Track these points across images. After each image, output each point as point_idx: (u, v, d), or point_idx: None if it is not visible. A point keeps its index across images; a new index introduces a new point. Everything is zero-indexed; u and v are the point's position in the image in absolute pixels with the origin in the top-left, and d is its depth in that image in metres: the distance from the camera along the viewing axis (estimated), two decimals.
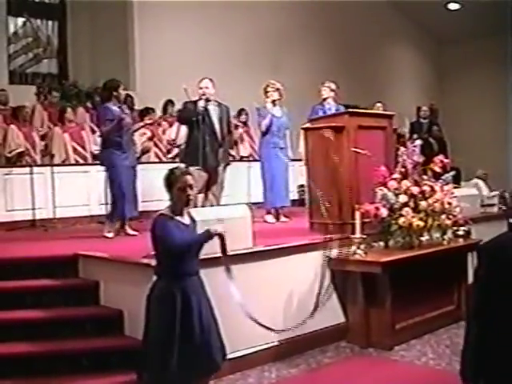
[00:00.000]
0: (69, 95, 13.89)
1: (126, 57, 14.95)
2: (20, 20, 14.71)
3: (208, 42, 15.28)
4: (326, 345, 7.23)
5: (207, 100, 8.93)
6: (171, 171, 5.15)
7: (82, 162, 11.56)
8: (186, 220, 5.13)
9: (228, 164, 9.37)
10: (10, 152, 11.16)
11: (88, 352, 6.19)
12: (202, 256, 5.26)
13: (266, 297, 6.75)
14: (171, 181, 5.07)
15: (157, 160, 12.20)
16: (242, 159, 13.15)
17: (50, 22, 15.18)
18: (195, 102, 8.97)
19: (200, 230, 5.26)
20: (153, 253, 5.42)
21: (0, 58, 13.57)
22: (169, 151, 12.45)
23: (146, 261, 6.14)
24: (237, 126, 13.42)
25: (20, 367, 6.02)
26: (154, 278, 5.20)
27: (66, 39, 15.28)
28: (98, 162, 9.53)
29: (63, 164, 11.42)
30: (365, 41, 18.81)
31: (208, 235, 5.09)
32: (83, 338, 6.33)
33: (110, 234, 8.77)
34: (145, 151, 11.64)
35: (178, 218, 5.06)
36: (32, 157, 11.23)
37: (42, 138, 11.75)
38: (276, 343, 6.86)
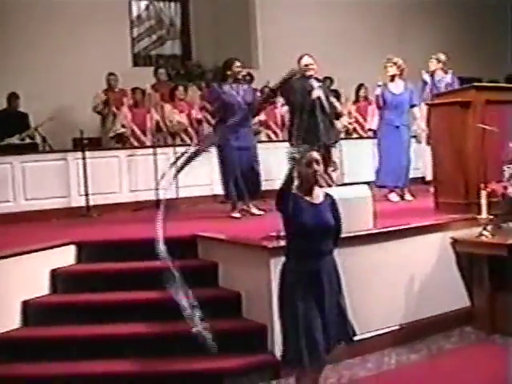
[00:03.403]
0: (193, 75, 14.03)
1: (248, 35, 14.96)
2: (143, 3, 15.00)
3: (330, 17, 15.05)
4: (450, 330, 6.96)
5: (309, 77, 8.71)
6: (296, 149, 5.00)
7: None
8: (316, 199, 4.91)
9: (337, 141, 9.14)
10: (113, 131, 11.43)
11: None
12: None
13: (387, 279, 6.59)
14: (297, 158, 4.87)
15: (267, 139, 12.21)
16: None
17: (172, 4, 15.37)
18: (303, 79, 8.77)
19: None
20: (272, 234, 5.33)
21: (124, 41, 13.81)
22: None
23: (263, 243, 6.09)
24: (357, 101, 13.22)
25: (138, 347, 6.12)
26: (273, 260, 5.09)
27: (189, 20, 15.43)
28: None
29: (186, 144, 11.53)
30: (488, 8, 17.95)
31: None
32: (201, 319, 6.31)
33: (237, 214, 8.76)
34: (255, 134, 11.54)
35: (307, 198, 4.87)
36: (139, 139, 11.46)
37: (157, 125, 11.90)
38: (397, 327, 6.69)
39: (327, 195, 5.00)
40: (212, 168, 10.58)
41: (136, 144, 11.40)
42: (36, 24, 12.43)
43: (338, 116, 9.65)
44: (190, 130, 11.99)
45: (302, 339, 4.75)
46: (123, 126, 11.43)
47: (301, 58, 8.85)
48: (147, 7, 15.00)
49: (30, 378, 6.00)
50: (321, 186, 5.00)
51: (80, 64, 12.37)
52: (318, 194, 4.95)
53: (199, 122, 12.03)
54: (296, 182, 4.90)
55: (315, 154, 4.91)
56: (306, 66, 8.75)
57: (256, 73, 13.23)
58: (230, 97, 8.68)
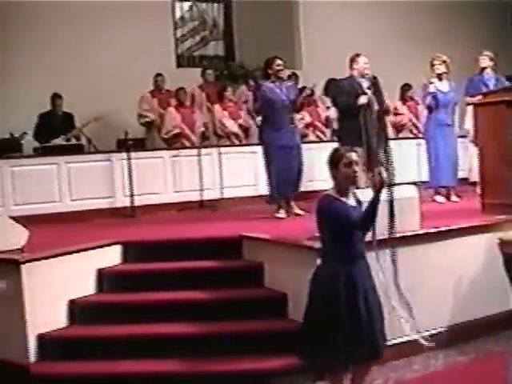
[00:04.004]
0: (236, 76, 14.04)
1: (291, 35, 14.97)
2: (186, 4, 15.05)
3: (374, 17, 14.98)
4: (498, 332, 6.83)
5: (363, 76, 8.66)
6: (336, 149, 5.00)
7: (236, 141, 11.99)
8: (351, 201, 4.93)
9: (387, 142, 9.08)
10: (166, 133, 11.49)
11: (251, 334, 6.20)
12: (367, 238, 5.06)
13: (433, 281, 6.53)
14: (336, 158, 4.89)
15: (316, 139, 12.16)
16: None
17: (215, 5, 15.41)
18: (352, 78, 8.74)
19: None
20: (317, 234, 5.30)
21: (167, 42, 13.87)
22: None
23: (309, 243, 6.07)
24: (405, 101, 13.07)
25: (183, 347, 6.13)
26: (318, 260, 5.07)
27: (232, 21, 15.44)
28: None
29: (230, 145, 11.58)
30: None
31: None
32: (246, 320, 6.33)
33: (282, 214, 8.76)
34: (302, 136, 11.49)
35: (343, 199, 4.87)
36: (190, 139, 11.53)
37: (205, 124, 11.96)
38: (444, 329, 6.62)
39: (355, 196, 5.01)
40: (257, 168, 10.59)
41: (187, 144, 11.47)
42: (81, 25, 12.55)
43: (386, 113, 9.59)
44: (239, 133, 12.01)
45: (341, 344, 4.75)
46: (174, 127, 11.51)
47: (356, 56, 8.77)
48: (190, 8, 15.05)
49: (75, 376, 6.06)
50: (358, 188, 4.98)
51: (125, 65, 12.46)
52: (351, 196, 4.97)
53: (247, 129, 12.03)
54: (332, 184, 4.95)
55: (354, 155, 4.91)
56: (366, 63, 8.71)
57: (299, 73, 13.22)
58: (274, 94, 8.68)
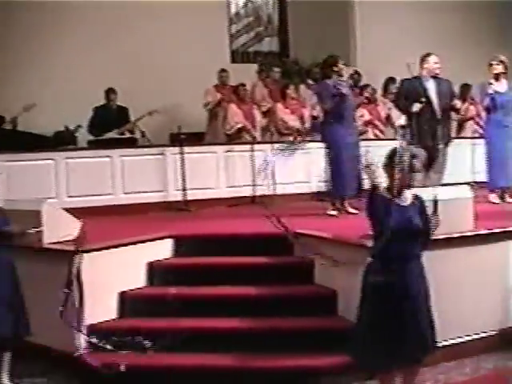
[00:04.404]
0: (290, 72, 14.01)
1: (347, 33, 14.88)
2: (241, 0, 15.07)
3: (431, 16, 14.82)
4: None
5: (435, 77, 8.59)
6: (394, 150, 4.91)
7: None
8: (403, 201, 4.84)
9: (449, 141, 9.01)
10: (229, 129, 11.51)
11: (300, 331, 6.19)
12: None
13: (487, 282, 6.41)
14: (395, 160, 4.81)
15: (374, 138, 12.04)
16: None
17: (270, 1, 15.44)
18: (417, 79, 8.66)
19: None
20: (370, 232, 5.27)
21: (222, 38, 13.96)
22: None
23: (361, 241, 6.01)
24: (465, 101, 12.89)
25: (233, 343, 6.10)
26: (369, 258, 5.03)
27: (287, 17, 15.46)
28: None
29: (283, 141, 11.51)
30: None
31: None
32: (296, 316, 6.31)
33: (334, 212, 8.72)
34: (361, 133, 11.37)
35: (394, 199, 4.77)
36: (252, 134, 11.51)
37: (264, 114, 11.95)
38: (496, 332, 6.48)
39: (416, 197, 4.93)
40: (309, 165, 10.54)
41: (249, 138, 11.46)
42: (136, 20, 12.66)
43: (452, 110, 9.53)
44: (301, 129, 11.94)
45: (382, 342, 4.70)
46: (236, 122, 11.60)
47: (427, 55, 8.75)
48: (245, 4, 15.14)
49: (125, 367, 6.07)
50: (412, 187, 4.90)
51: (179, 60, 12.56)
52: (407, 196, 4.88)
53: (315, 118, 11.93)
54: (385, 184, 4.87)
55: (415, 160, 4.84)
56: (436, 63, 8.64)
57: None
58: (344, 90, 8.68)
